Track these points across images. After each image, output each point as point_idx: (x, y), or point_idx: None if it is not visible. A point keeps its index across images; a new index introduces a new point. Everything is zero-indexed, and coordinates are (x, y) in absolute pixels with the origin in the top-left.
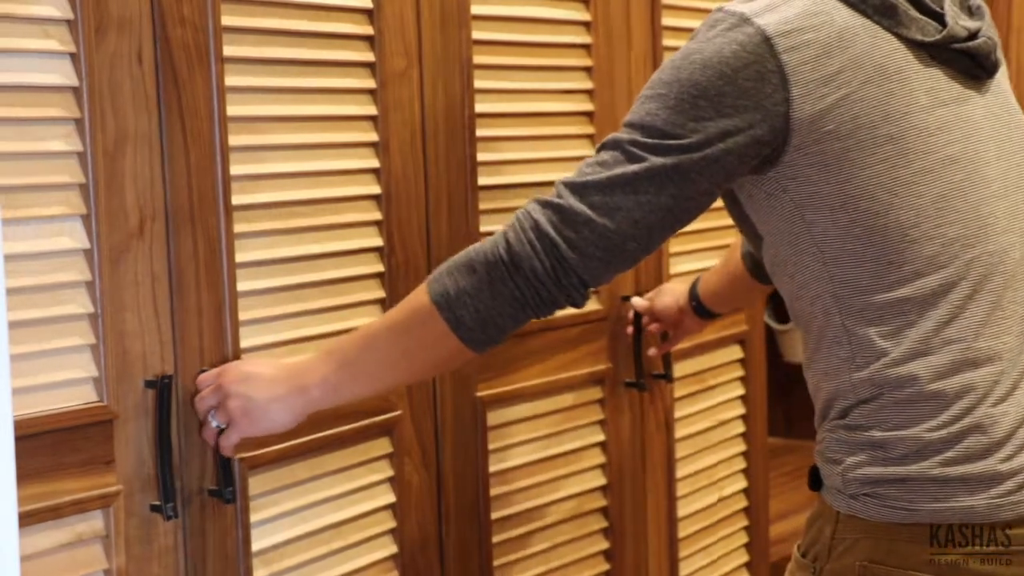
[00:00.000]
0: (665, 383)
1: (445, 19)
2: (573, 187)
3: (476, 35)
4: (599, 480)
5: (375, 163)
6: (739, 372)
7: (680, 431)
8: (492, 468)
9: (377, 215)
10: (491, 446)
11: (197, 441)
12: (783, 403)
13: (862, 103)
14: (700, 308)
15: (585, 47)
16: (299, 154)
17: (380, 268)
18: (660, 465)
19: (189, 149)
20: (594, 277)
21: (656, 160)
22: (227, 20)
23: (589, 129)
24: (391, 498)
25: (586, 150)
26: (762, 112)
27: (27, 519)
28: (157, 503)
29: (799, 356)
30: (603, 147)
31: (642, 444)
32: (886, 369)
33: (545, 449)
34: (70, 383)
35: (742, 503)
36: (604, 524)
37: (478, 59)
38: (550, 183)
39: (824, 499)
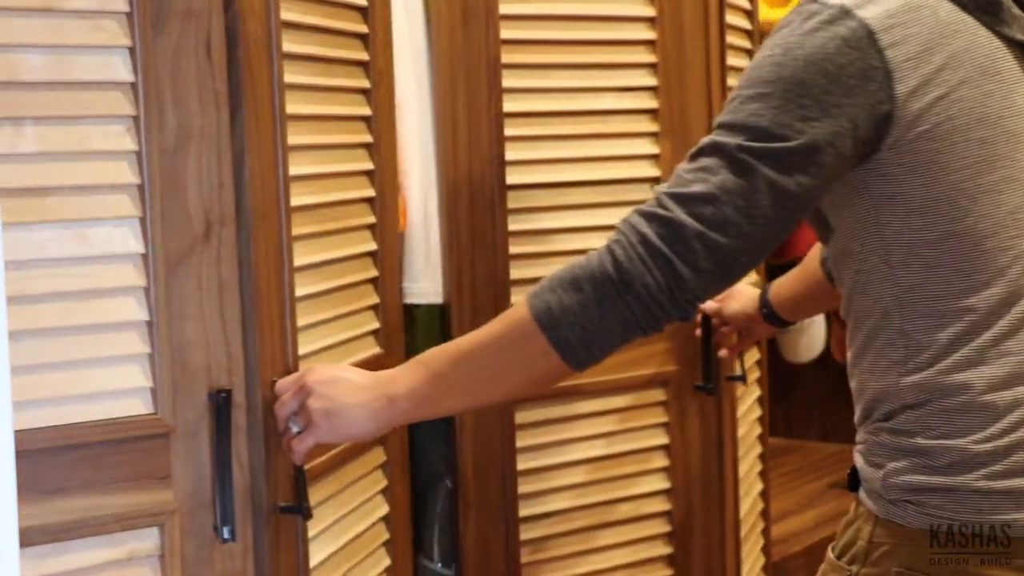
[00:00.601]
0: (741, 384)
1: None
2: (679, 198)
3: (533, 35)
4: (662, 484)
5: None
6: (756, 373)
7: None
8: (550, 461)
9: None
10: (547, 439)
11: (271, 456)
12: (783, 403)
13: (959, 104)
14: (771, 315)
15: (649, 43)
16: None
17: None
18: (731, 470)
19: (258, 148)
20: (707, 292)
21: (766, 170)
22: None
23: (653, 127)
24: None
25: (649, 148)
26: (867, 111)
27: (72, 532)
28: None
29: (800, 356)
30: (702, 152)
31: (718, 449)
32: (939, 376)
33: (603, 448)
34: (120, 393)
35: (760, 505)
36: (667, 528)
37: (534, 58)
38: (611, 181)
39: (862, 501)
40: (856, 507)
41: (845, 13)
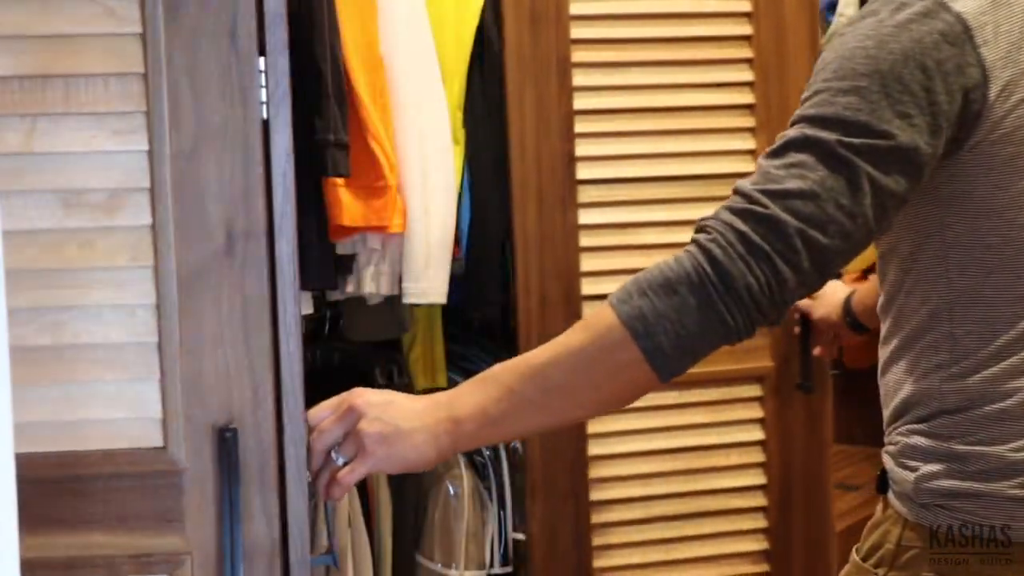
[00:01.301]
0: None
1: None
2: (773, 194)
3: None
4: (757, 479)
5: None
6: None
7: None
8: (623, 449)
9: None
10: (627, 427)
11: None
12: None
13: None
14: (855, 323)
15: (745, 38)
16: None
17: None
18: (828, 468)
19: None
20: (802, 294)
21: (868, 168)
22: None
23: (749, 122)
24: None
25: (744, 143)
26: (961, 109)
27: (71, 570)
28: None
29: None
30: (791, 146)
31: (819, 446)
32: (984, 383)
33: (686, 439)
34: (124, 422)
35: None
36: (763, 524)
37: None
38: (699, 176)
39: (891, 503)
40: (884, 509)
41: (940, 6)
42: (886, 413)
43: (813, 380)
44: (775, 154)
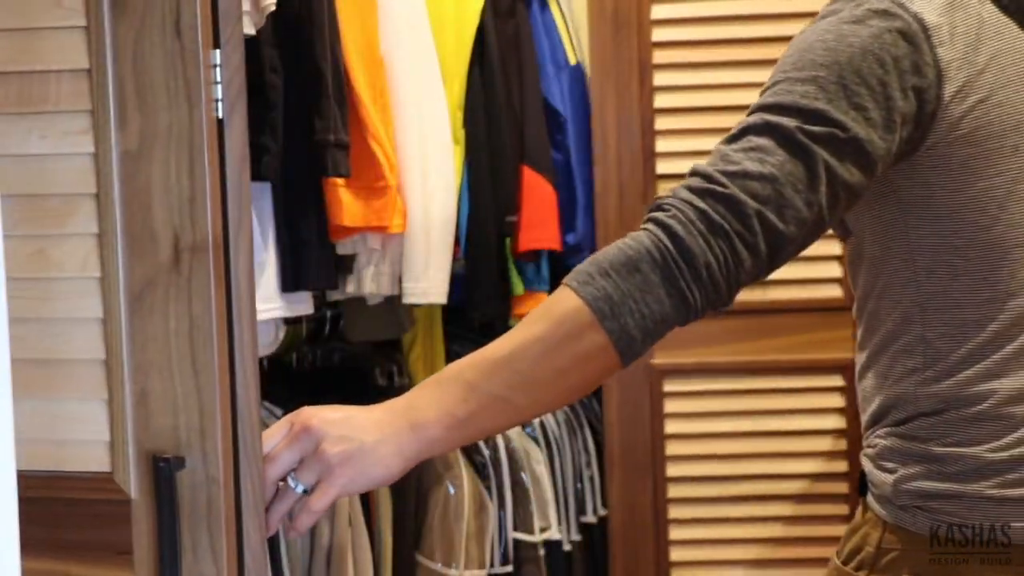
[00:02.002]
0: None
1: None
2: (732, 175)
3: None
4: (839, 467)
5: None
6: None
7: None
8: (703, 429)
9: None
10: (704, 408)
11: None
12: None
13: (999, 108)
14: None
15: None
16: None
17: None
18: None
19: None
20: (752, 280)
21: (826, 155)
22: None
23: None
24: None
25: None
26: (916, 108)
27: None
28: None
29: None
30: (749, 131)
31: None
32: (958, 387)
33: (765, 423)
34: (74, 444)
35: None
36: (845, 511)
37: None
38: None
39: (870, 506)
40: (863, 512)
41: (899, 6)
42: (864, 418)
43: None
44: (733, 139)
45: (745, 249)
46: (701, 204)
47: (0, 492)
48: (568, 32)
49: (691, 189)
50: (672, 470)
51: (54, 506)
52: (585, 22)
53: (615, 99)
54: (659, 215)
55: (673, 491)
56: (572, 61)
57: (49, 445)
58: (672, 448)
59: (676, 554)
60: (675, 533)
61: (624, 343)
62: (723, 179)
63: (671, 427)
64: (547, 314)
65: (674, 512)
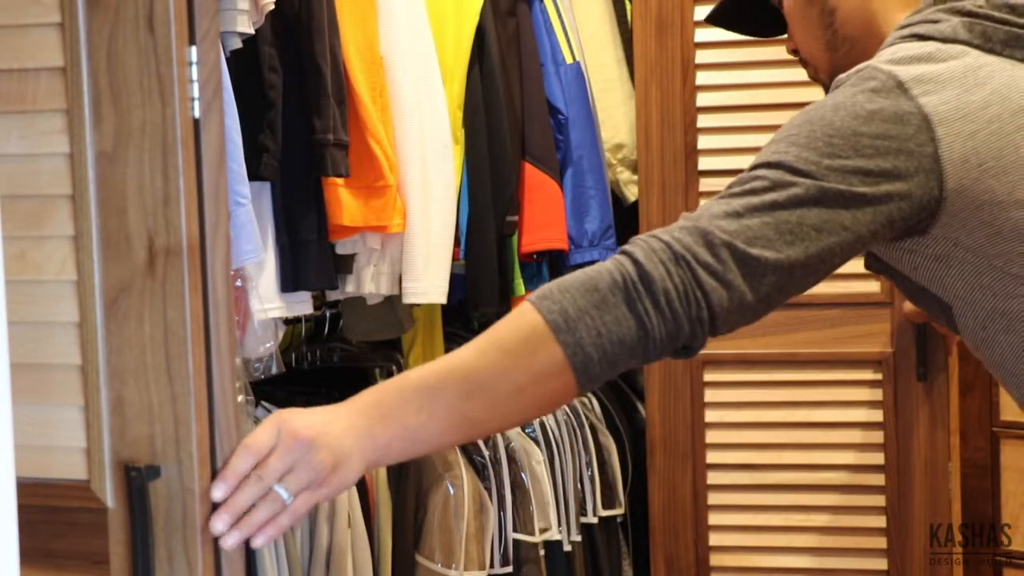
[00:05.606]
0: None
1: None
2: (701, 215)
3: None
4: (875, 459)
5: None
6: None
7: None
8: (742, 419)
9: None
10: (743, 398)
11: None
12: None
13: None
14: None
15: None
16: None
17: None
18: (947, 453)
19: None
20: (737, 315)
21: (802, 209)
22: None
23: None
24: None
25: None
26: (921, 192)
27: None
28: None
29: None
30: (736, 183)
31: (939, 431)
32: None
33: (804, 414)
34: (52, 450)
35: None
36: (881, 503)
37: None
38: None
39: None
40: None
41: (902, 89)
42: None
43: (928, 369)
44: (721, 196)
45: (712, 278)
46: (666, 236)
47: (0, 496)
48: (564, 31)
49: (666, 229)
50: (712, 457)
51: (32, 513)
52: (585, 21)
53: (659, 97)
54: (627, 246)
55: (712, 477)
56: (569, 60)
57: (28, 451)
58: (712, 436)
59: (715, 539)
60: (714, 519)
61: (579, 359)
62: (695, 216)
63: (711, 416)
64: (508, 327)
65: (713, 498)
